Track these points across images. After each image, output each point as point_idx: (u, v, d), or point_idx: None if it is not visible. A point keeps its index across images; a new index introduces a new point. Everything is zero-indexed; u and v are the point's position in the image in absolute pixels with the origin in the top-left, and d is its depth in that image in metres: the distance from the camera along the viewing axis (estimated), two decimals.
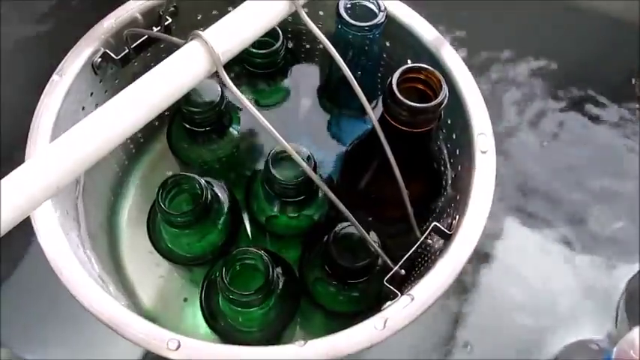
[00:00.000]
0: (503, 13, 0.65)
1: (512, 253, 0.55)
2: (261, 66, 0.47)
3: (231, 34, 0.30)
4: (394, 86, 0.35)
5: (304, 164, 0.33)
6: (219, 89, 0.44)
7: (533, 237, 0.55)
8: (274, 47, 0.46)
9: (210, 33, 0.29)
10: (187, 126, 0.45)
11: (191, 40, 0.29)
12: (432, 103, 0.35)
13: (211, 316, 0.40)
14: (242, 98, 0.31)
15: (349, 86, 0.36)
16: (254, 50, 0.45)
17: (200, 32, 0.29)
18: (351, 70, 0.46)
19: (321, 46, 0.53)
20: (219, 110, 0.44)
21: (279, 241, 0.45)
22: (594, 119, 0.61)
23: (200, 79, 0.29)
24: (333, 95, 0.50)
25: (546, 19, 0.65)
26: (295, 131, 0.53)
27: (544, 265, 0.54)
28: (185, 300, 0.51)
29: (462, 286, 0.53)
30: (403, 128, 0.36)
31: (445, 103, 0.36)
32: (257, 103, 0.51)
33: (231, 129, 0.48)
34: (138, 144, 0.54)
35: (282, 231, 0.44)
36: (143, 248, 0.50)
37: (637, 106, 0.61)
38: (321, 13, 0.49)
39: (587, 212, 0.56)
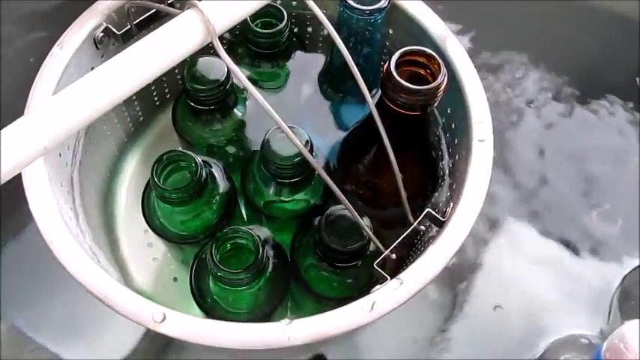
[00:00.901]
0: (506, 11, 0.65)
1: (506, 249, 0.54)
2: (264, 46, 0.46)
3: (228, 5, 0.30)
4: (392, 67, 0.35)
5: (297, 141, 0.33)
6: (225, 68, 0.43)
7: (527, 233, 0.55)
8: (279, 27, 0.45)
9: (207, 3, 0.29)
10: (192, 104, 0.45)
11: (187, 9, 0.29)
12: (430, 85, 0.35)
13: (200, 295, 0.40)
14: (237, 71, 0.31)
15: (350, 72, 0.36)
16: (258, 30, 0.45)
17: (196, 2, 0.29)
18: (352, 57, 0.46)
19: (324, 32, 0.53)
20: (224, 90, 0.43)
21: (274, 223, 0.45)
22: (597, 118, 0.60)
23: (194, 49, 0.29)
24: (334, 81, 0.49)
25: (550, 17, 0.64)
26: (296, 117, 0.52)
27: (537, 261, 0.54)
28: (175, 280, 0.51)
29: (456, 278, 0.53)
30: (400, 111, 0.36)
31: (443, 86, 0.35)
32: (258, 85, 0.51)
33: (235, 110, 0.47)
34: (137, 123, 0.54)
35: (277, 213, 0.44)
36: (138, 228, 0.50)
37: None
38: None
39: (584, 210, 0.56)
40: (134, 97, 0.52)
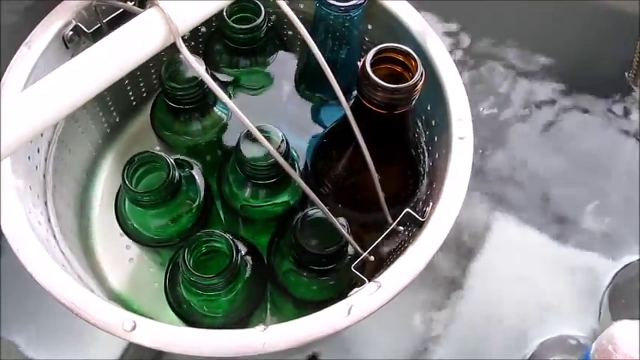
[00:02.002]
0: (498, 3, 0.64)
1: (497, 248, 0.54)
2: (242, 42, 0.45)
3: (191, 3, 0.28)
4: (368, 65, 0.34)
5: (266, 143, 0.32)
6: (204, 66, 0.42)
7: (518, 232, 0.54)
8: (256, 22, 0.44)
9: (169, 2, 0.28)
10: (170, 104, 0.43)
11: (149, 7, 0.28)
12: (407, 83, 0.34)
13: (175, 300, 0.39)
14: (200, 70, 0.29)
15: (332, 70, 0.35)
16: (235, 25, 0.44)
17: (158, 0, 0.28)
18: (331, 55, 0.45)
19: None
20: (202, 88, 0.42)
21: (252, 226, 0.44)
22: (586, 112, 0.60)
23: (156, 49, 0.28)
24: (312, 81, 0.48)
25: (540, 10, 0.64)
26: (277, 116, 0.51)
27: (528, 261, 0.53)
28: (157, 284, 0.49)
29: (446, 280, 0.52)
30: (377, 110, 0.35)
31: (420, 84, 0.34)
32: (239, 84, 0.50)
33: (216, 109, 0.46)
34: (113, 123, 0.53)
35: (254, 216, 0.42)
36: (116, 231, 0.49)
37: (630, 100, 0.60)
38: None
39: (574, 207, 0.55)
40: (108, 99, 0.51)
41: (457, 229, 0.53)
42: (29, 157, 0.40)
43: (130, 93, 0.53)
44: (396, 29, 0.44)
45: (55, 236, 0.41)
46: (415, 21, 0.43)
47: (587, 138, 0.59)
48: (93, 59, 0.27)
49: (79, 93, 0.27)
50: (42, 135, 0.43)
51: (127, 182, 0.36)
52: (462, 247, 0.53)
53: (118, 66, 0.27)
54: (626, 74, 0.61)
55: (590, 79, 0.62)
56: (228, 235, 0.35)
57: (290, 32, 0.52)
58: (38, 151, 0.42)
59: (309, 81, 0.48)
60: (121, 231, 0.42)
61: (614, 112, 0.60)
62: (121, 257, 0.51)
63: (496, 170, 0.57)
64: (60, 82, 0.26)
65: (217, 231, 0.35)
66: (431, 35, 0.42)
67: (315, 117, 0.50)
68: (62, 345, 0.49)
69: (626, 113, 0.60)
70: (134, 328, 0.32)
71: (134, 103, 0.54)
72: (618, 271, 0.51)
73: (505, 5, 0.64)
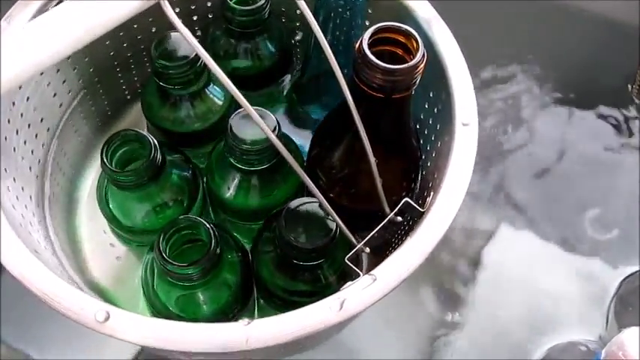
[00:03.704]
0: (498, 15, 0.63)
1: (505, 255, 0.52)
2: (244, 25, 0.44)
3: None
4: (365, 45, 0.32)
5: (260, 120, 0.29)
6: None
7: (525, 240, 0.53)
8: (259, 3, 0.43)
9: None
10: (161, 84, 0.41)
11: None
12: (408, 64, 0.31)
13: (152, 295, 0.36)
14: (190, 37, 0.27)
15: (328, 80, 0.32)
16: (237, 7, 0.43)
17: None
18: (331, 45, 0.43)
19: (298, 37, 0.50)
20: (196, 67, 0.40)
21: (239, 221, 0.41)
22: (590, 124, 0.58)
23: (136, 9, 0.26)
24: (311, 93, 0.46)
25: (541, 22, 0.63)
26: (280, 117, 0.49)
27: (536, 268, 0.52)
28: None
29: (453, 286, 0.50)
30: (374, 94, 0.32)
31: (422, 65, 0.32)
32: (237, 71, 0.48)
33: (207, 92, 0.44)
34: (105, 117, 0.51)
35: (241, 209, 0.40)
36: (103, 228, 0.47)
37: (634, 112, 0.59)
38: None
39: (580, 216, 0.54)
40: (102, 92, 0.49)
41: (464, 236, 0.53)
42: (14, 149, 0.38)
43: (124, 86, 0.51)
44: (401, 13, 0.41)
45: (42, 225, 0.40)
46: (421, 6, 0.41)
47: (590, 148, 0.58)
48: (62, 19, 0.25)
49: (46, 56, 0.25)
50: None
51: (105, 160, 0.34)
52: (470, 255, 0.52)
53: (91, 27, 0.25)
54: (629, 86, 0.59)
55: (592, 91, 0.61)
56: (207, 223, 0.32)
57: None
58: (25, 143, 0.40)
59: (307, 95, 0.46)
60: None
61: (618, 122, 0.59)
62: (108, 254, 0.48)
63: (501, 179, 0.55)
64: (36, 33, 0.24)
65: (196, 217, 0.33)
66: (437, 21, 0.40)
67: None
68: (72, 345, 0.47)
69: (629, 124, 0.58)
70: (107, 319, 0.30)
71: (129, 97, 0.52)
72: (624, 279, 0.50)
73: (506, 17, 0.63)
